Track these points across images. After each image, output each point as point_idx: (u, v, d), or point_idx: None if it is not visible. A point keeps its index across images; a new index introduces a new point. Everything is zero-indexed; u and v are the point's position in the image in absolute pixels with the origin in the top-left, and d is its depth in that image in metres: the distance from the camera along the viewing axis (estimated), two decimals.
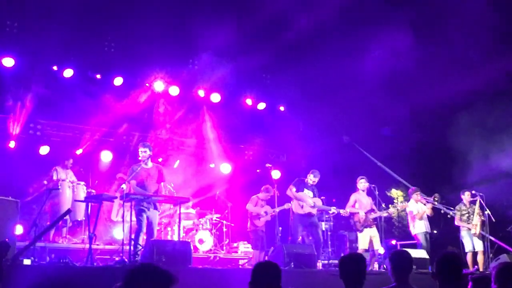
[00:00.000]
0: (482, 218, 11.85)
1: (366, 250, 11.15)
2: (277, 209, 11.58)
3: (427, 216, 11.93)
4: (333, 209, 11.48)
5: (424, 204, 11.97)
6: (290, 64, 14.18)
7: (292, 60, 14.12)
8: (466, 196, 12.06)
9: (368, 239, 11.24)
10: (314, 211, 11.20)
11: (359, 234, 11.38)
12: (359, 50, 13.27)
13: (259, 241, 11.74)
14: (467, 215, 12.00)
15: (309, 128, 15.55)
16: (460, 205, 12.15)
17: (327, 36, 13.39)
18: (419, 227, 11.84)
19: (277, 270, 4.14)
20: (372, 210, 11.43)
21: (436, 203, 11.96)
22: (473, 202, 12.02)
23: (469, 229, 11.87)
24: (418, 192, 12.17)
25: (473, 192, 12.04)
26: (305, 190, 11.28)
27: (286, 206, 11.63)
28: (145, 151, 9.67)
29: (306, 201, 11.13)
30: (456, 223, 12.17)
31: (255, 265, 4.31)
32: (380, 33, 12.60)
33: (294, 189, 11.25)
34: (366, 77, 13.65)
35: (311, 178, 11.38)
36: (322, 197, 11.70)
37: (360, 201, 11.50)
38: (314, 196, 11.34)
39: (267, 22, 12.73)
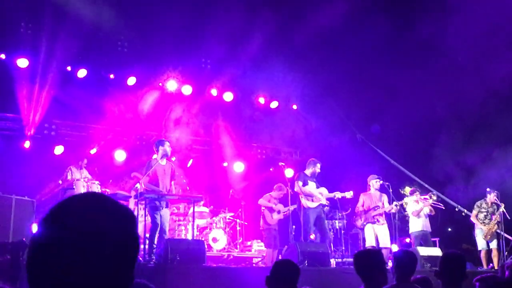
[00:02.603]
0: (497, 229, 11.77)
1: (374, 247, 11.10)
2: (291, 208, 11.55)
3: (429, 215, 11.86)
4: (337, 194, 11.33)
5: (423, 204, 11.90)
6: (302, 62, 14.15)
7: (305, 57, 14.09)
8: (491, 196, 11.97)
9: (372, 235, 11.17)
10: (323, 201, 11.17)
11: (365, 233, 11.34)
12: (375, 47, 13.21)
13: (272, 240, 11.74)
14: (485, 213, 11.95)
15: (322, 126, 15.51)
16: (481, 202, 12.08)
17: (342, 33, 13.34)
18: (415, 226, 11.78)
19: (296, 270, 4.18)
20: (375, 207, 11.36)
21: (430, 201, 11.86)
22: (495, 203, 11.94)
23: (482, 229, 11.85)
24: (417, 192, 12.13)
25: (496, 192, 11.97)
26: (310, 183, 11.25)
27: (291, 207, 11.53)
28: (169, 146, 9.80)
29: (314, 193, 11.12)
30: (471, 219, 12.11)
31: (275, 262, 4.37)
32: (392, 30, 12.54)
33: (301, 183, 11.19)
34: (380, 74, 13.60)
35: (311, 170, 11.36)
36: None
37: (366, 201, 11.44)
38: (318, 187, 11.31)
39: (280, 20, 12.74)
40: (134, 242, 1.38)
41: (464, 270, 4.40)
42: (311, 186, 11.19)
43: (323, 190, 11.31)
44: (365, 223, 11.30)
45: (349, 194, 11.37)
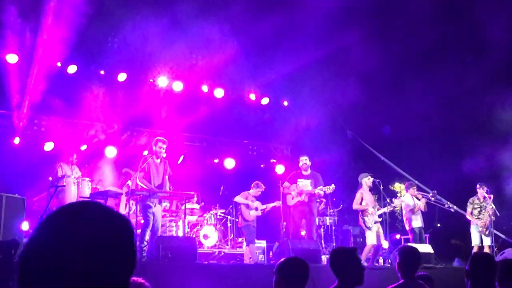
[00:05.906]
0: (493, 217, 11.86)
1: (375, 246, 11.11)
2: (270, 205, 11.66)
3: (421, 211, 11.95)
4: (318, 190, 11.29)
5: (419, 199, 11.95)
6: (294, 59, 14.15)
7: (296, 54, 14.08)
8: (482, 191, 12.08)
9: (376, 234, 11.18)
10: (302, 198, 11.17)
11: (368, 231, 11.29)
12: (364, 42, 13.25)
13: (253, 236, 11.75)
14: (479, 209, 12.03)
15: (313, 123, 15.52)
16: (473, 198, 12.18)
17: (332, 27, 13.37)
18: (415, 222, 11.85)
19: (306, 269, 3.93)
20: (377, 208, 11.41)
21: (432, 199, 11.95)
22: (487, 197, 12.06)
23: (477, 224, 11.92)
24: (415, 187, 12.18)
25: (486, 189, 12.09)
26: (299, 181, 11.26)
27: (276, 203, 11.59)
28: (163, 147, 9.79)
29: (290, 192, 11.21)
30: (467, 216, 12.19)
31: (283, 261, 3.99)
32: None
33: (286, 184, 11.35)
34: (369, 72, 13.66)
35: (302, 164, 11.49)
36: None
37: (366, 198, 11.44)
38: (315, 183, 11.29)
39: (272, 19, 12.74)
40: (130, 249, 1.40)
41: (494, 270, 4.31)
42: (301, 183, 11.23)
43: (305, 186, 11.33)
44: (373, 223, 11.26)
45: (329, 189, 11.34)
